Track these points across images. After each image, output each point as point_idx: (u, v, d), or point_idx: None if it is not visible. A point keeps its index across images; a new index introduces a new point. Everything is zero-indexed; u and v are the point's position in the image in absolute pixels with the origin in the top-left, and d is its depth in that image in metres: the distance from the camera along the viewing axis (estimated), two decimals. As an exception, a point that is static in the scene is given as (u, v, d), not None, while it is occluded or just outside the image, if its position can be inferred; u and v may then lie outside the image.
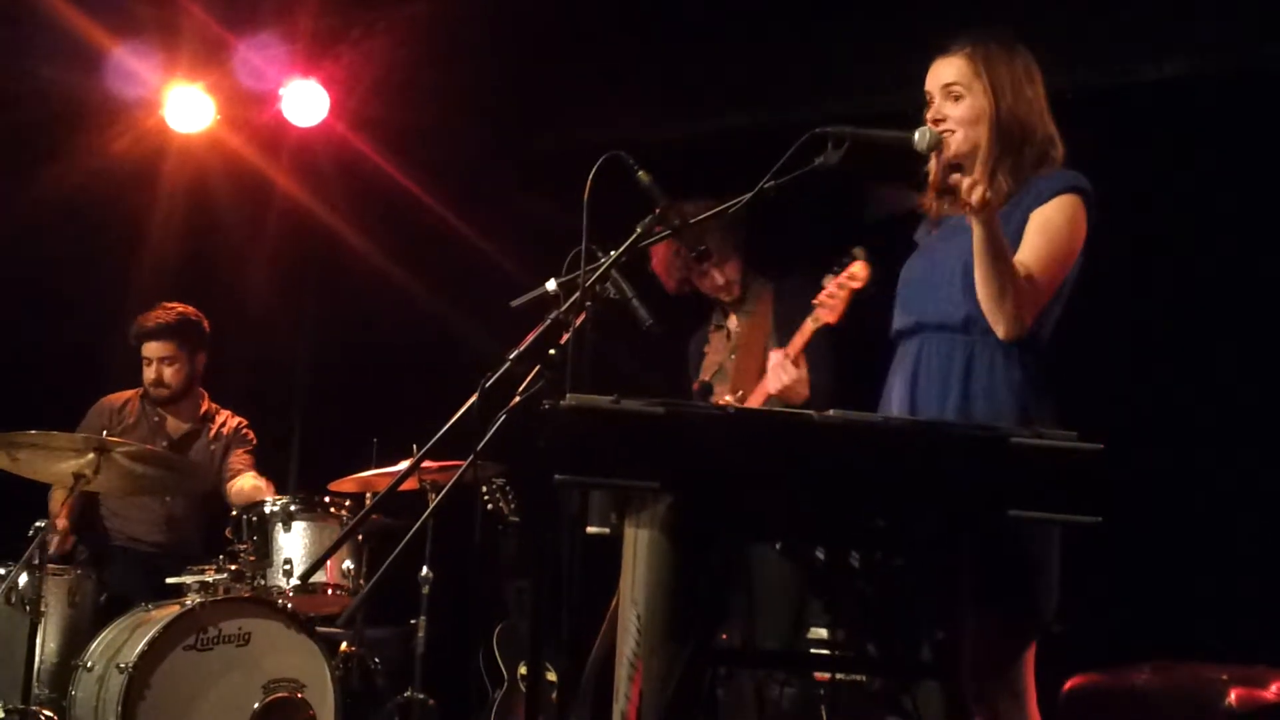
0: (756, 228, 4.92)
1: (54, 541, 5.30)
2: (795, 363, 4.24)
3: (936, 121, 3.25)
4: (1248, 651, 4.25)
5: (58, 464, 4.94)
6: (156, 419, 5.85)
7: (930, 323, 3.21)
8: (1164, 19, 5.26)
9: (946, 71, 3.27)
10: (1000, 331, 3.08)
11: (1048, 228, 3.14)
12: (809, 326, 4.16)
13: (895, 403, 3.24)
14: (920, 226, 3.46)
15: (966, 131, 3.23)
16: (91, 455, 4.88)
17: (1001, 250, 3.03)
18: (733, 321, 4.99)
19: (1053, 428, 2.85)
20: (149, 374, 5.81)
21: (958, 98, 3.24)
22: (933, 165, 3.33)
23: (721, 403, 4.59)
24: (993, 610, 2.90)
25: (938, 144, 3.24)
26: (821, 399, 4.32)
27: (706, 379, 5.03)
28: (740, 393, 4.67)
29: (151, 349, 5.80)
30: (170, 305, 5.85)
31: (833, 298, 4.05)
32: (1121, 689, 4.21)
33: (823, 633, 2.74)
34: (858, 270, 4.01)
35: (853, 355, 4.26)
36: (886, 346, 3.36)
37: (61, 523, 5.36)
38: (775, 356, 4.28)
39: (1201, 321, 5.06)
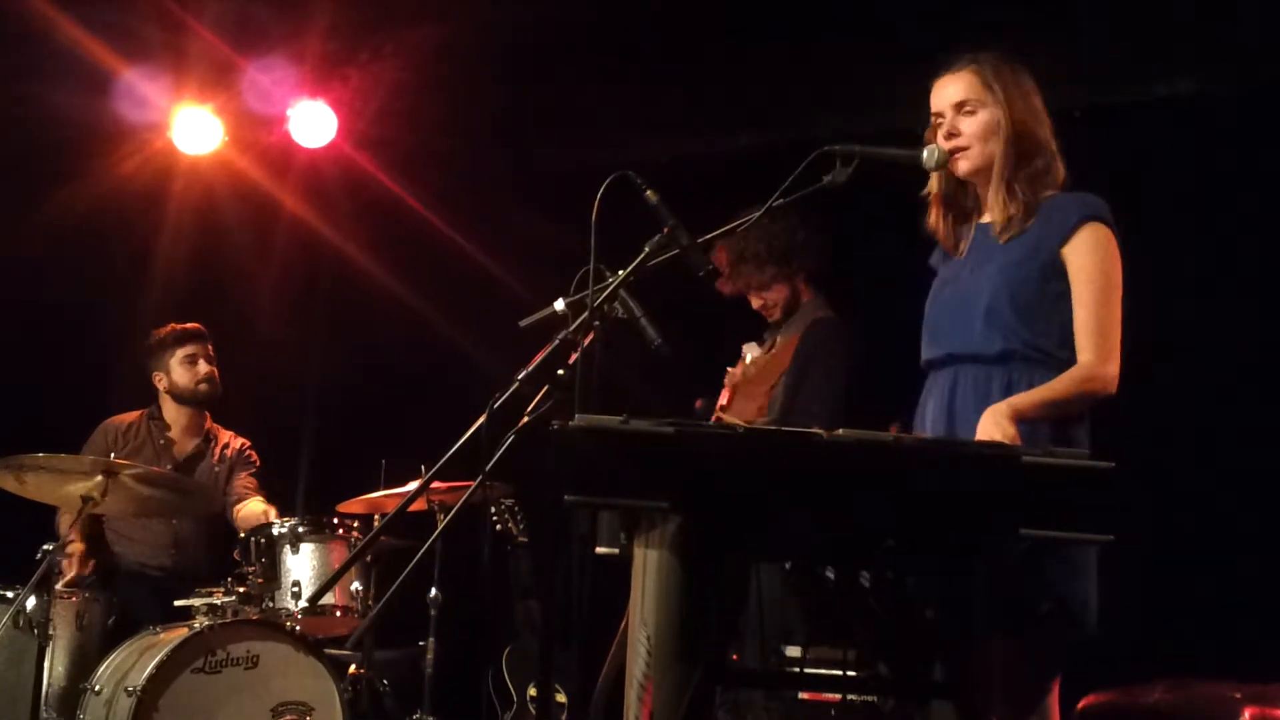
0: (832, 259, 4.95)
1: (73, 565, 5.31)
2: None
3: (949, 136, 3.25)
4: (1262, 669, 4.23)
5: (65, 486, 4.93)
6: (163, 441, 5.85)
7: (963, 354, 3.21)
8: (1175, 36, 5.26)
9: (955, 88, 3.26)
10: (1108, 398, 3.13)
11: (1089, 277, 3.15)
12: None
13: (930, 432, 3.24)
14: (935, 251, 3.46)
15: (981, 147, 3.24)
16: (99, 478, 4.86)
17: (1049, 403, 3.07)
18: (777, 339, 4.99)
19: (1085, 447, 2.87)
20: (196, 371, 5.85)
21: (970, 112, 3.24)
22: (934, 181, 3.34)
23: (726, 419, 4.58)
24: (1020, 633, 2.89)
25: (946, 161, 3.25)
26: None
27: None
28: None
29: (194, 348, 5.87)
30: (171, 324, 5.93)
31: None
32: (1135, 708, 4.19)
33: (833, 653, 2.73)
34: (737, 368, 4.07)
35: (875, 383, 4.24)
36: (909, 375, 3.37)
37: (78, 545, 5.36)
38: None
39: (1218, 335, 5.04)
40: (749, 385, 4.84)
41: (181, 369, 5.87)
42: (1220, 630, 4.81)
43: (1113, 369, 3.11)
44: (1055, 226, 3.17)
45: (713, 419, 4.70)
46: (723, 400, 4.86)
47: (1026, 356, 3.12)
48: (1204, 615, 4.86)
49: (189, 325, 5.93)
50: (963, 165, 3.27)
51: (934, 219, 3.38)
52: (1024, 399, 3.04)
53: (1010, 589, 2.79)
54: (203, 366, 5.87)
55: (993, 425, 2.98)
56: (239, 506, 5.75)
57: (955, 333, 3.23)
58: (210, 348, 5.93)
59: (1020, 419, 2.99)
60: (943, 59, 3.33)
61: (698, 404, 4.97)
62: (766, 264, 4.83)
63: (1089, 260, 3.15)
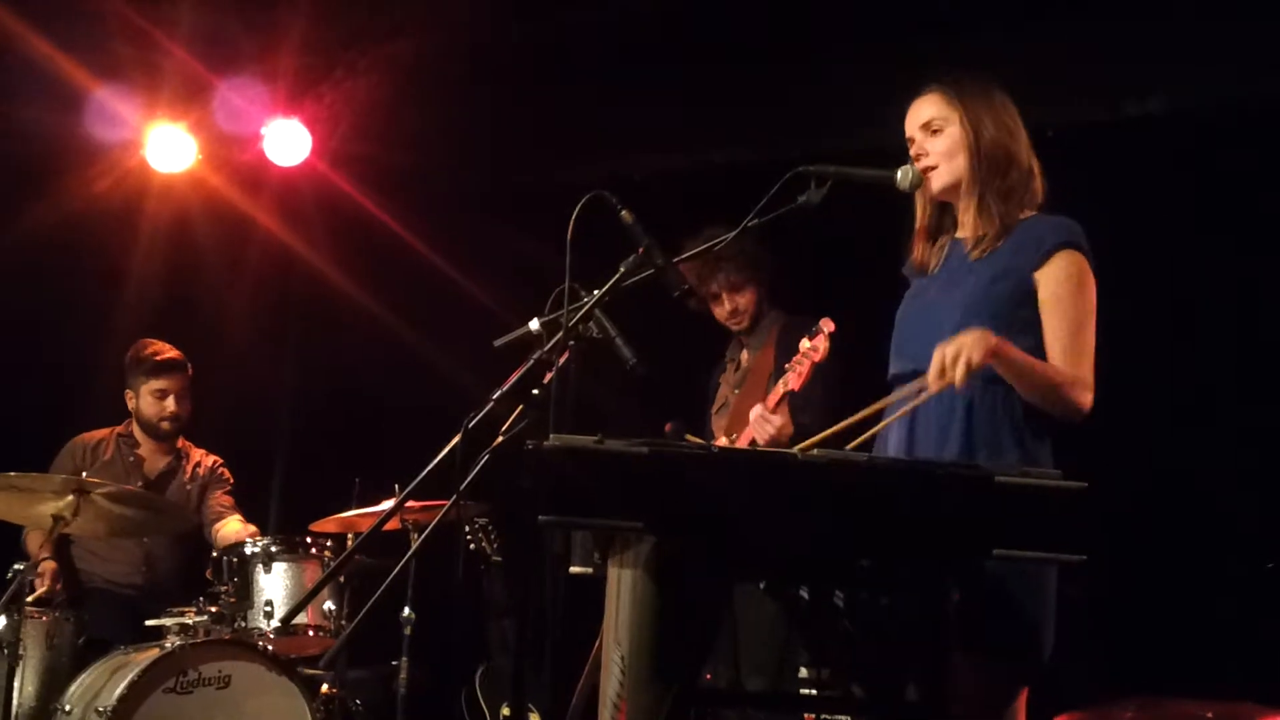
0: (780, 259, 4.98)
1: (45, 581, 5.26)
2: (775, 412, 4.09)
3: (919, 158, 3.26)
4: (1232, 688, 4.25)
5: (35, 506, 4.89)
6: (132, 459, 5.81)
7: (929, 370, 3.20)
8: (1146, 55, 5.30)
9: (924, 110, 3.28)
10: (1076, 418, 3.10)
11: (1062, 304, 3.13)
12: (779, 389, 4.11)
13: (892, 447, 3.23)
14: (908, 260, 3.46)
15: (948, 164, 3.24)
16: (70, 497, 4.83)
17: (1025, 369, 3.04)
18: (744, 355, 5.00)
19: (1048, 466, 2.86)
20: (163, 407, 5.76)
21: (936, 131, 3.25)
22: (919, 204, 3.34)
23: (719, 442, 4.57)
24: (984, 652, 2.89)
25: (920, 182, 3.26)
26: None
27: (714, 411, 5.05)
28: (734, 435, 4.65)
29: (166, 382, 5.77)
30: (157, 342, 5.84)
31: (799, 364, 4.01)
32: (1107, 727, 4.20)
33: (807, 673, 2.73)
34: (820, 344, 4.00)
35: (851, 397, 4.24)
36: (880, 389, 3.36)
37: (50, 564, 5.31)
38: (755, 410, 4.12)
39: (1190, 354, 5.06)
40: (740, 400, 4.85)
41: (149, 400, 5.79)
42: (1191, 649, 4.82)
43: (1089, 394, 3.10)
44: (1029, 251, 3.16)
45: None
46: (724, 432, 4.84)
47: (992, 377, 3.09)
48: (1175, 634, 4.88)
49: (168, 355, 5.79)
50: (934, 184, 3.27)
51: (919, 253, 3.37)
52: (1013, 349, 3.01)
53: (980, 609, 2.80)
54: (170, 405, 5.77)
55: (971, 341, 2.93)
56: (218, 525, 5.71)
57: (922, 349, 3.21)
58: (185, 381, 5.81)
59: (995, 359, 2.96)
60: (919, 83, 3.34)
61: (667, 428, 4.98)
62: (743, 267, 4.88)
63: (1062, 289, 3.12)
